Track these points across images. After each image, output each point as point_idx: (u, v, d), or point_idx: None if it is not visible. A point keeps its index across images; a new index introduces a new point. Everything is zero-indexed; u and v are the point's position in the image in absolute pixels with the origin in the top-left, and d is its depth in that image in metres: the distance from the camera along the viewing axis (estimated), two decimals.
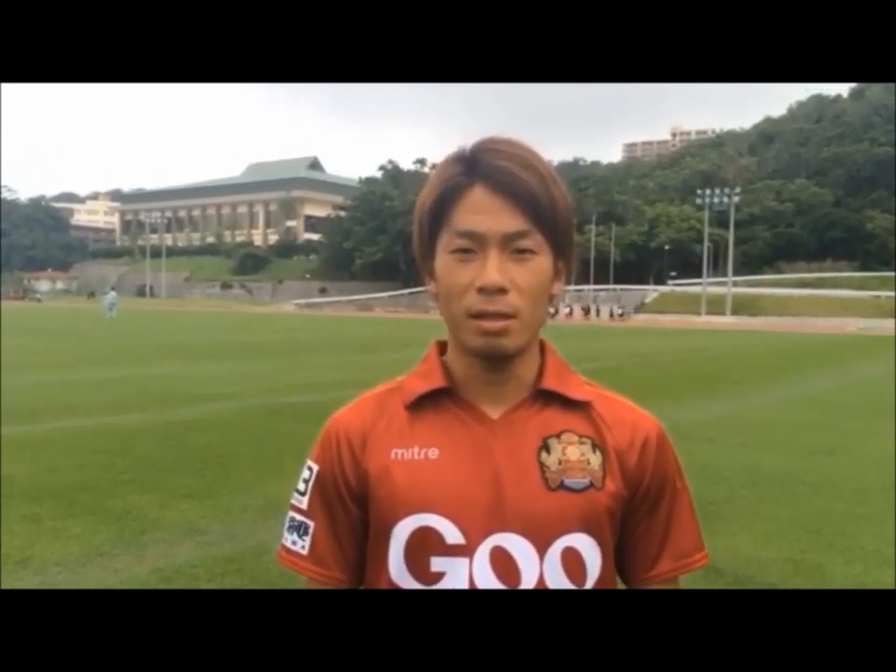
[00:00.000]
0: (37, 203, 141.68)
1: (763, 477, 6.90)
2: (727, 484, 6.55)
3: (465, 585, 1.02)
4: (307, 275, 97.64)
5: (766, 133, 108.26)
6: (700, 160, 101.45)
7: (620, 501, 1.07)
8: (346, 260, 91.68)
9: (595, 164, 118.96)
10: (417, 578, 1.04)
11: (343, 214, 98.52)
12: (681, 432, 8.03)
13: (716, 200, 70.84)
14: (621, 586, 1.14)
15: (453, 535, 1.02)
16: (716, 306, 64.71)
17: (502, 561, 1.02)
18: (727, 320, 60.34)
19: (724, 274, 68.81)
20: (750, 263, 78.03)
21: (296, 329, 36.28)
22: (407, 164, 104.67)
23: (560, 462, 1.05)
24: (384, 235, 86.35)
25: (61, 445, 7.56)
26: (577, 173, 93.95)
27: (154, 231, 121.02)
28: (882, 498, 6.21)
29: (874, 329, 48.66)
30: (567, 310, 63.18)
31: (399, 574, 1.05)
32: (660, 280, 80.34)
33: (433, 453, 1.06)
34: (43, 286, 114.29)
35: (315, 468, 1.12)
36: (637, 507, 1.10)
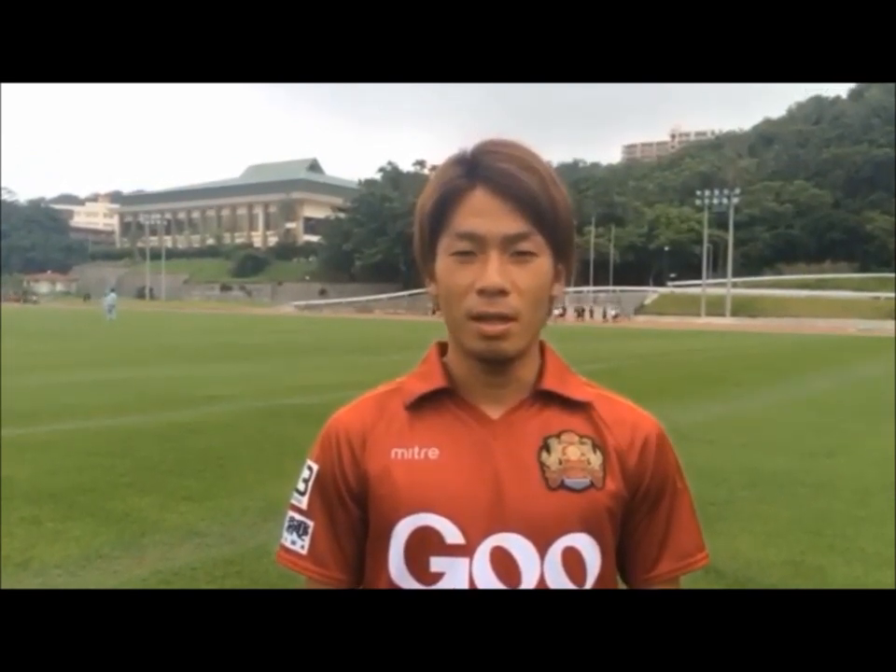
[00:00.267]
0: (37, 205, 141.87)
1: (763, 478, 6.90)
2: (727, 486, 6.54)
3: (465, 585, 1.02)
4: (307, 277, 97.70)
5: (766, 135, 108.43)
6: (699, 161, 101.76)
7: (620, 501, 1.07)
8: (346, 262, 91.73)
9: (595, 166, 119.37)
10: (417, 578, 1.04)
11: (342, 216, 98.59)
12: (681, 433, 8.02)
13: (715, 201, 70.99)
14: (621, 586, 1.14)
15: (453, 535, 1.02)
16: (716, 307, 64.78)
17: (502, 561, 1.02)
18: (727, 321, 60.39)
19: (724, 276, 68.90)
20: (750, 264, 78.14)
21: (296, 330, 36.26)
22: (407, 166, 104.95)
23: (560, 462, 1.05)
24: (383, 237, 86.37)
25: (60, 447, 7.55)
26: (576, 174, 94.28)
27: (154, 232, 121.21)
28: (882, 500, 6.21)
29: (873, 330, 48.72)
30: (558, 311, 63.06)
31: (399, 574, 1.05)
32: (659, 281, 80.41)
33: (433, 453, 1.06)
34: (42, 287, 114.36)
35: (315, 467, 1.12)
36: (638, 507, 1.10)
